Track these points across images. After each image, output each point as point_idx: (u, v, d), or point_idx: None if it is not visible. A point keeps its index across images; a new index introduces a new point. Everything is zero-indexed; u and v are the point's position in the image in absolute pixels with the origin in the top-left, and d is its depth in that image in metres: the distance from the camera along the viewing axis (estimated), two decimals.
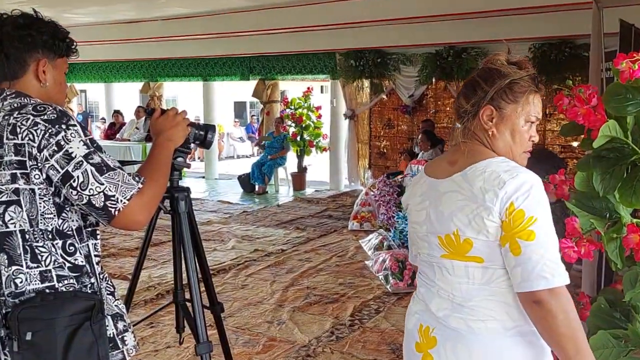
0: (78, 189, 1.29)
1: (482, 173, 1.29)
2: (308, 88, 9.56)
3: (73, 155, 1.29)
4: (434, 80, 8.06)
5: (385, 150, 8.99)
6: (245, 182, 9.20)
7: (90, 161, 1.30)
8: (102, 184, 1.29)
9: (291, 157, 9.79)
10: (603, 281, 2.59)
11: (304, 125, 9.41)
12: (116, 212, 1.30)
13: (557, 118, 7.25)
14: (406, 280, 4.37)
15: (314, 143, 9.45)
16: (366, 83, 8.82)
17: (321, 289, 4.42)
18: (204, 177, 10.69)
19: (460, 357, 1.30)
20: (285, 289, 4.41)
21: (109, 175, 1.31)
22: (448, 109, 8.24)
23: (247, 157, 16.04)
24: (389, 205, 5.99)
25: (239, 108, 19.20)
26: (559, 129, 7.06)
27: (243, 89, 14.15)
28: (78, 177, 1.29)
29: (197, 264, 2.02)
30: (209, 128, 1.93)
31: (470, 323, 1.30)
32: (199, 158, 14.80)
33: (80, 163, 1.29)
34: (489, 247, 1.27)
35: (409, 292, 4.26)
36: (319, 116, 9.54)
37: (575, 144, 7.04)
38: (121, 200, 1.30)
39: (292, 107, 9.48)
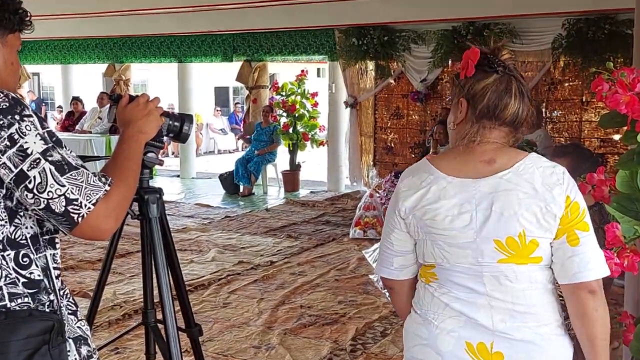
0: (35, 191, 1.27)
1: (536, 169, 1.47)
2: (302, 71, 9.56)
3: (29, 151, 1.27)
4: (450, 62, 8.07)
5: (393, 145, 9.00)
6: (228, 182, 9.19)
7: (49, 158, 1.28)
8: (63, 186, 1.28)
9: (282, 152, 9.76)
10: None
11: (297, 115, 9.41)
12: (79, 219, 1.29)
13: (595, 106, 7.27)
14: None
15: (309, 136, 9.46)
16: (371, 65, 8.82)
17: (317, 308, 4.42)
18: (178, 176, 10.69)
19: None
20: (275, 308, 4.40)
21: (71, 175, 1.30)
22: None
23: (230, 152, 16.02)
24: None
25: (221, 95, 19.17)
26: (598, 119, 7.11)
27: (225, 72, 14.13)
28: (35, 177, 1.27)
29: (170, 279, 2.02)
30: (185, 118, 1.93)
31: (538, 330, 1.47)
32: (173, 153, 14.78)
33: (38, 161, 1.27)
34: (549, 244, 1.46)
35: None
36: (315, 104, 9.54)
37: (616, 137, 7.06)
38: (85, 205, 1.29)
39: (284, 94, 9.49)
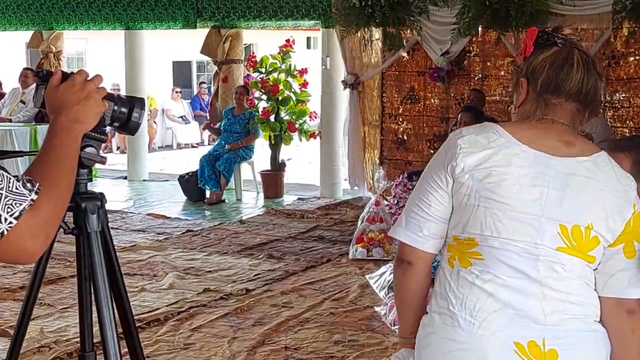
0: None
1: (613, 166, 1.71)
2: (287, 41, 9.55)
3: None
4: (480, 29, 8.09)
5: (405, 137, 9.02)
6: (191, 185, 9.18)
7: None
8: None
9: (261, 146, 9.76)
10: None
11: (280, 99, 9.42)
12: None
13: None
14: None
15: (297, 126, 9.46)
16: (377, 34, 8.83)
17: (307, 350, 4.41)
18: (126, 178, 10.67)
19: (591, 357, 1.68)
20: (252, 349, 4.39)
21: None
22: (502, 73, 8.29)
23: (193, 146, 16.02)
24: None
25: (181, 72, 19.14)
26: None
27: (187, 43, 14.08)
28: None
29: (115, 312, 2.02)
30: (135, 103, 1.93)
31: (591, 325, 1.68)
32: (118, 148, 14.76)
33: None
34: (603, 248, 1.69)
35: None
36: (304, 84, 9.54)
37: None
38: (5, 219, 1.29)
39: (263, 71, 9.48)
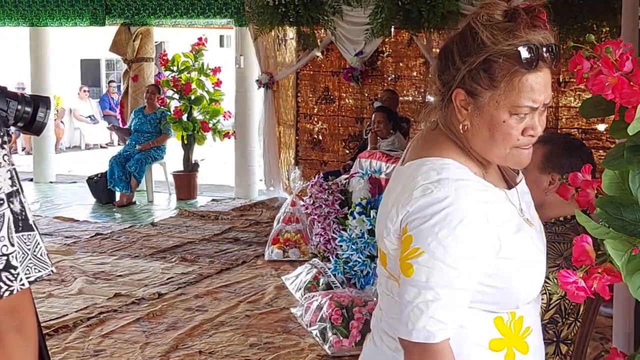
0: None
1: (404, 178, 1.57)
2: (200, 39, 9.51)
3: None
4: (393, 29, 8.21)
5: (321, 137, 9.07)
6: (100, 187, 9.06)
7: (11, 206, 1.29)
8: (12, 245, 1.28)
9: (173, 147, 9.66)
10: None
11: (193, 98, 9.37)
12: (5, 293, 1.27)
13: (574, 88, 7.56)
14: (354, 336, 4.42)
15: (210, 125, 9.42)
16: (291, 33, 8.86)
17: (222, 353, 4.40)
18: (31, 180, 10.48)
19: None
20: (165, 355, 4.37)
21: (23, 236, 1.30)
22: (414, 73, 8.43)
23: (102, 147, 15.82)
24: (327, 222, 6.02)
25: (89, 70, 18.88)
26: (578, 105, 7.41)
27: (95, 41, 13.91)
28: None
29: None
30: (40, 102, 1.89)
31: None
32: (23, 149, 14.38)
33: (1, 203, 1.28)
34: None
35: (357, 354, 4.31)
36: (218, 83, 9.52)
37: (601, 127, 7.38)
38: (20, 280, 1.28)
39: (175, 69, 9.42)
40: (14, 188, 1.32)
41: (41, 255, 1.34)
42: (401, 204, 1.51)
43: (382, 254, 1.62)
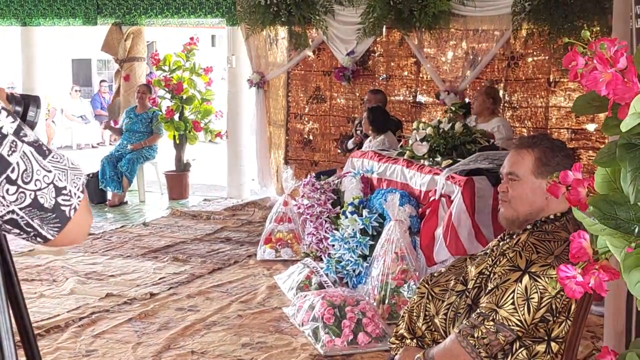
0: (19, 182, 1.29)
1: None
2: (191, 39, 9.52)
3: (4, 131, 1.29)
4: (384, 29, 8.22)
5: (311, 137, 9.07)
6: (92, 187, 8.98)
7: (25, 139, 1.31)
8: (50, 171, 1.32)
9: (165, 147, 9.64)
10: (634, 329, 2.73)
11: (185, 97, 9.36)
12: (72, 212, 1.34)
13: (564, 88, 7.59)
14: (346, 335, 4.42)
15: (202, 125, 9.42)
16: (282, 32, 8.85)
17: (214, 353, 4.40)
18: None
19: None
20: (157, 355, 4.36)
21: (53, 157, 1.33)
22: (406, 73, 8.44)
23: (93, 147, 15.80)
24: (319, 221, 6.03)
25: (81, 70, 18.85)
26: (569, 104, 7.43)
27: (87, 40, 13.85)
28: (18, 164, 1.29)
29: (12, 318, 1.96)
30: (30, 101, 1.88)
31: None
32: None
33: (15, 143, 1.29)
34: None
35: (350, 353, 4.31)
36: (209, 83, 9.53)
37: (590, 127, 7.40)
38: (75, 194, 1.34)
39: (166, 69, 9.42)
40: (17, 121, 1.34)
41: (72, 164, 1.38)
42: None
43: None
